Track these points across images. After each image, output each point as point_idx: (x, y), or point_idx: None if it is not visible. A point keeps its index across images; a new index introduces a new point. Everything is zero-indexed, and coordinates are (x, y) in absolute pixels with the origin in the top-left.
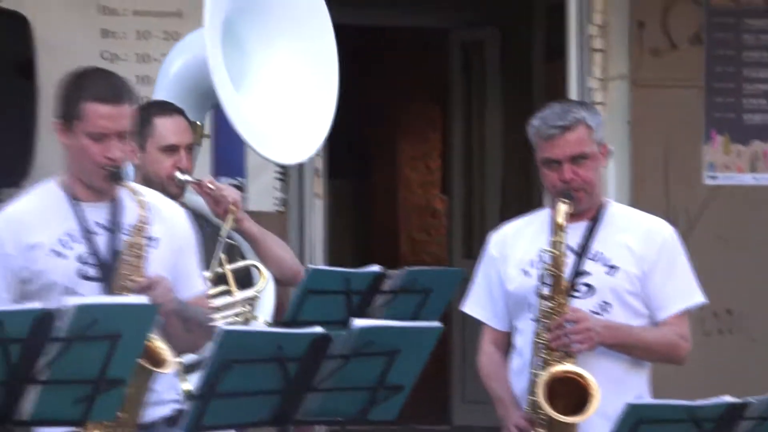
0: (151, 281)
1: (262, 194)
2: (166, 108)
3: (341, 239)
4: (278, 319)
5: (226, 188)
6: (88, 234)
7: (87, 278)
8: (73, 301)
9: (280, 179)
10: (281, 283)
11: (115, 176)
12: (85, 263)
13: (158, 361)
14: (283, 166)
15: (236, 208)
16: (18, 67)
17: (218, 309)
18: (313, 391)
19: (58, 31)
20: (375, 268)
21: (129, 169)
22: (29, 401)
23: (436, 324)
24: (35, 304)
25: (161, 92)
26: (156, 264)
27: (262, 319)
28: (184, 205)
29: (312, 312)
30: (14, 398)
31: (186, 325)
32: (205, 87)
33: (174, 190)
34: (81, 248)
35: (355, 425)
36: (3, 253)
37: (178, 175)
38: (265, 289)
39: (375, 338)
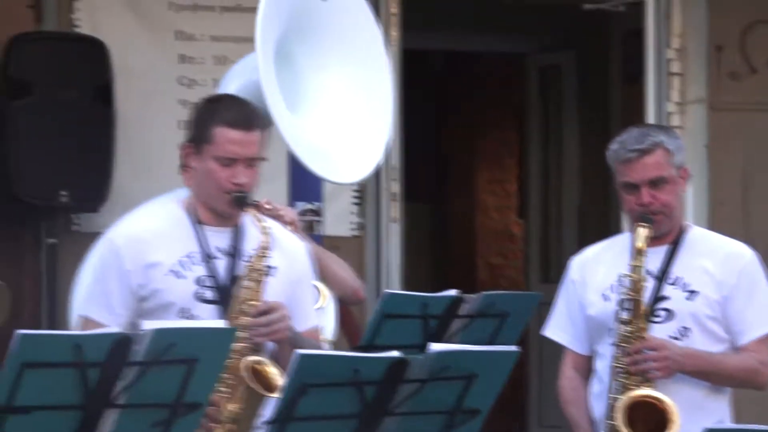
0: (269, 306)
1: (339, 219)
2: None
3: (418, 263)
4: (346, 337)
5: (283, 208)
6: (208, 258)
7: (204, 301)
8: (150, 325)
9: (357, 203)
10: (342, 301)
11: (241, 201)
12: (203, 286)
13: (270, 386)
14: (357, 190)
15: (294, 227)
16: (96, 93)
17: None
18: (390, 415)
19: (136, 57)
20: (452, 292)
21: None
22: (107, 425)
23: (513, 348)
24: (112, 329)
25: None
26: (273, 292)
27: (323, 337)
28: None
29: (389, 336)
30: (92, 422)
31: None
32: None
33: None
34: (200, 271)
35: None
36: (123, 270)
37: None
38: (326, 307)
39: (452, 362)
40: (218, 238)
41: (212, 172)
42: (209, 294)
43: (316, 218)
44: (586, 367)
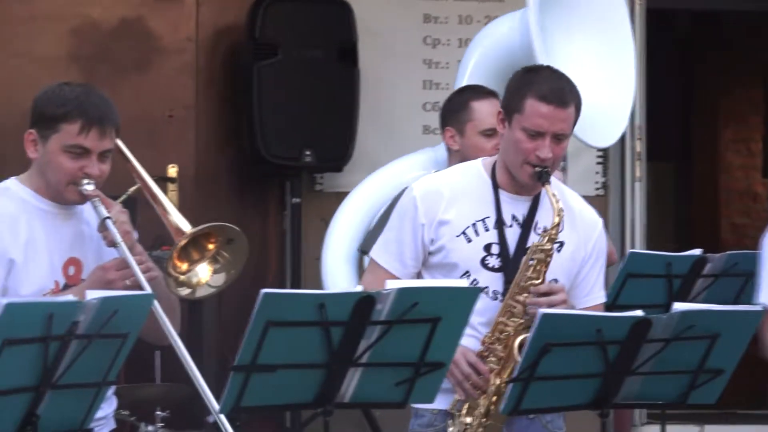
0: (551, 288)
1: (583, 178)
2: (480, 91)
3: (661, 223)
4: None
5: None
6: (500, 225)
7: (489, 268)
8: (392, 284)
9: (600, 163)
10: None
11: (542, 176)
12: (489, 252)
13: None
14: (601, 149)
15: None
16: (341, 53)
17: None
18: (633, 375)
19: (381, 18)
20: (696, 251)
21: (443, 153)
22: (350, 384)
23: (757, 307)
24: (356, 288)
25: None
26: (557, 267)
27: None
28: None
29: (632, 295)
30: (335, 381)
31: None
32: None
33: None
34: (490, 237)
35: (675, 409)
36: (417, 223)
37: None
38: None
39: (696, 322)
40: (515, 207)
41: (519, 142)
42: (494, 261)
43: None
44: None
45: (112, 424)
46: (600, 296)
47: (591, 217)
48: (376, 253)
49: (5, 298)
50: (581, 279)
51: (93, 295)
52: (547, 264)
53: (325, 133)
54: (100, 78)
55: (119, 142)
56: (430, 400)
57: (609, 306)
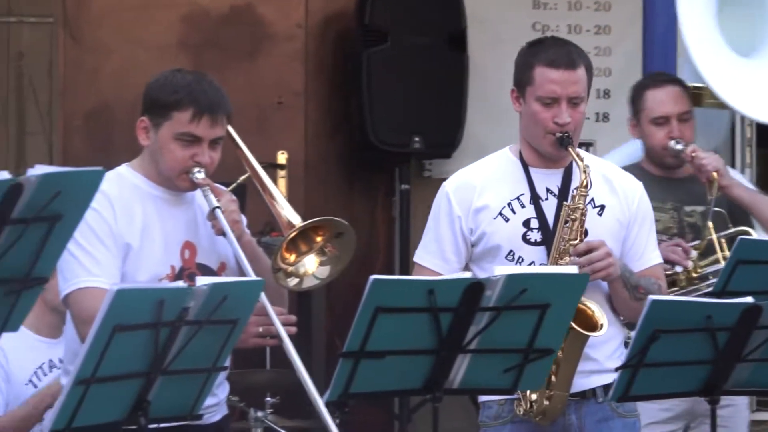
0: (589, 245)
1: None
2: (658, 79)
3: None
4: None
5: (707, 156)
6: (536, 199)
7: (530, 243)
8: (501, 270)
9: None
10: None
11: (564, 142)
12: (529, 228)
13: (591, 326)
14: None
15: (718, 176)
16: (450, 39)
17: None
18: (743, 362)
19: (490, 4)
20: None
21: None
22: (459, 370)
23: None
24: (465, 274)
25: None
26: (601, 231)
27: None
28: None
29: (742, 282)
30: (444, 367)
31: (632, 293)
32: None
33: (670, 161)
34: (528, 213)
35: None
36: (453, 216)
37: (672, 145)
38: None
39: None
40: (548, 180)
41: (535, 114)
42: (535, 236)
43: None
44: None
45: (225, 410)
46: (654, 257)
47: (630, 181)
48: (419, 256)
49: (116, 285)
50: (631, 243)
51: (203, 281)
52: (582, 222)
53: (433, 120)
54: (210, 65)
55: (231, 130)
56: (539, 387)
57: (719, 293)
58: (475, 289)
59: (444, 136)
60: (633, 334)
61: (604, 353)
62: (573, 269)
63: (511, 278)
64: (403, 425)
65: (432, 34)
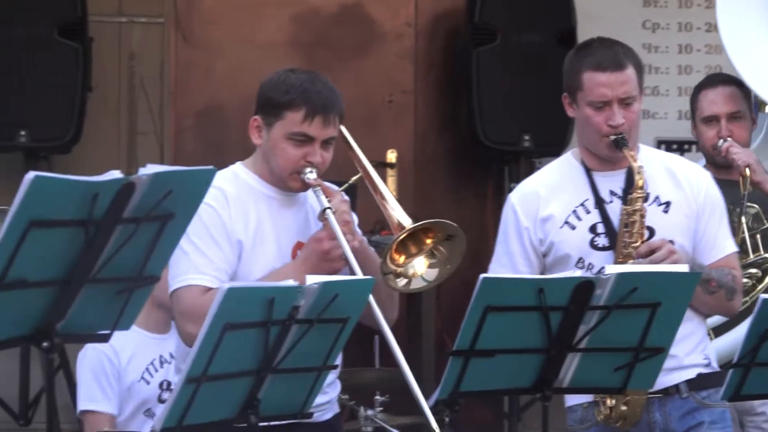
0: (650, 247)
1: None
2: (714, 80)
3: None
4: None
5: (739, 152)
6: (600, 203)
7: (598, 248)
8: (612, 269)
9: None
10: None
11: (619, 143)
12: (596, 233)
13: None
14: None
15: (750, 171)
16: (560, 37)
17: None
18: None
19: (600, 1)
20: None
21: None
22: (569, 369)
23: None
24: (576, 273)
25: None
26: (668, 228)
27: None
28: None
29: None
30: (554, 365)
31: (704, 287)
32: None
33: (720, 160)
34: (593, 218)
35: None
36: (521, 227)
37: (719, 144)
38: None
39: None
40: (610, 182)
41: (588, 118)
42: (603, 240)
43: None
44: None
45: (336, 408)
46: (728, 246)
47: (696, 172)
48: (492, 270)
49: (227, 283)
50: (701, 234)
51: (313, 279)
52: (642, 224)
53: (543, 118)
54: (320, 64)
55: (344, 130)
56: (650, 386)
57: None
58: (585, 287)
59: (553, 134)
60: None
61: (684, 349)
62: (683, 267)
63: (622, 277)
64: (512, 424)
65: (542, 32)
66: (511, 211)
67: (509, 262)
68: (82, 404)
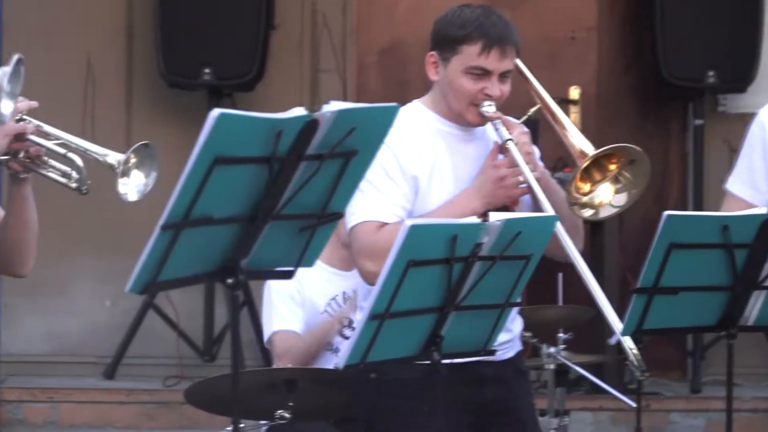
0: None
1: None
2: None
3: None
4: None
5: None
6: None
7: None
8: None
9: None
10: None
11: None
12: None
13: None
14: None
15: None
16: None
17: None
18: None
19: None
20: None
21: None
22: (754, 307)
23: None
24: (761, 210)
25: None
26: None
27: None
28: None
29: None
30: (739, 304)
31: None
32: None
33: None
34: None
35: None
36: (766, 145)
37: None
38: None
39: None
40: None
41: None
42: None
43: None
44: None
45: (519, 346)
46: None
47: None
48: (730, 183)
49: (410, 220)
50: None
51: (496, 216)
52: None
53: (728, 54)
54: (502, 1)
55: (519, 63)
56: None
57: None
58: None
59: (739, 70)
60: None
61: None
62: None
63: None
64: (696, 362)
65: None
66: (759, 127)
67: (749, 178)
68: (276, 325)
